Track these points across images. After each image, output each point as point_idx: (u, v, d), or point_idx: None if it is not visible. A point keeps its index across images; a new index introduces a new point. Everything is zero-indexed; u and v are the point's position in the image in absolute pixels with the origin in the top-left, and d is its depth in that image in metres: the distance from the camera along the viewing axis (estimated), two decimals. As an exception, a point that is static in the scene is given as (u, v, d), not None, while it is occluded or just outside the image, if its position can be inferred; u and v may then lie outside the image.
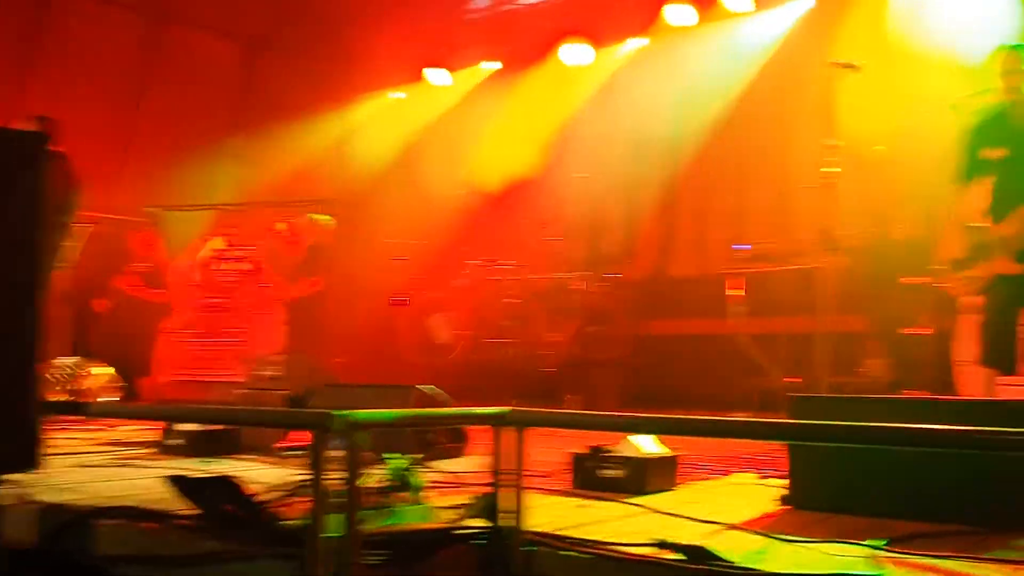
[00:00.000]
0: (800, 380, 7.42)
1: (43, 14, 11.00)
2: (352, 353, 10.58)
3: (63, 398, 7.13)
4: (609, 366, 9.48)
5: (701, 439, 4.53)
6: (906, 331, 7.08)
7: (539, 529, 3.10)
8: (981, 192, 5.39)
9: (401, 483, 3.37)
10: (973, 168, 5.44)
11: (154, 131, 11.56)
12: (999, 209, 5.30)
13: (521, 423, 3.10)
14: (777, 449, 4.14)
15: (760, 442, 4.55)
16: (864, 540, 2.92)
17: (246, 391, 6.29)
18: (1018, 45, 5.36)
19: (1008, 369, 5.25)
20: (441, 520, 3.26)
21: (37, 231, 3.44)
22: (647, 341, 9.80)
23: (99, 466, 4.90)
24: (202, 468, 4.71)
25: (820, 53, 8.26)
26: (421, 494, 3.34)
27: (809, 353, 7.13)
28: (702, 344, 9.49)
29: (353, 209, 11.19)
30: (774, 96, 9.52)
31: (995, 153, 5.30)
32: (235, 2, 11.82)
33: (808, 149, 5.68)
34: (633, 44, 10.76)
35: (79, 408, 4.89)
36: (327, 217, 9.69)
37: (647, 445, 4.10)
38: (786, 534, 3.05)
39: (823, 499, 3.58)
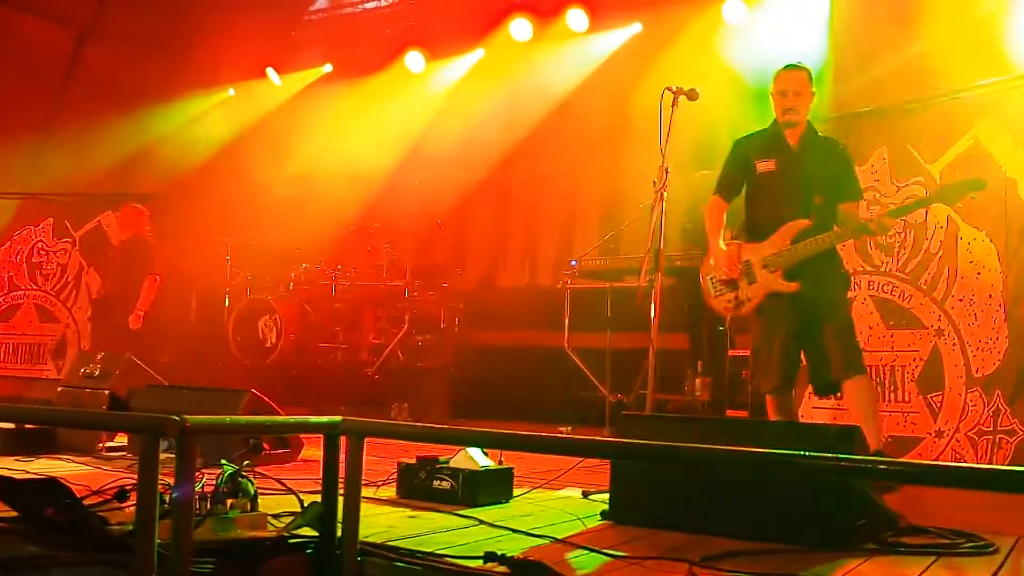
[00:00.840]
0: (625, 397, 7.65)
1: None
2: (178, 353, 10.34)
3: None
4: (434, 374, 9.56)
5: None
6: (730, 353, 7.32)
7: (371, 540, 3.14)
8: (741, 208, 5.39)
9: (232, 490, 3.34)
10: (741, 180, 5.41)
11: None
12: (766, 224, 5.28)
13: (354, 433, 3.13)
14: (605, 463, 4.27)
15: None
16: (681, 556, 3.07)
17: (66, 389, 6.08)
18: (794, 64, 5.31)
19: (789, 389, 5.26)
20: (273, 528, 3.26)
21: None
22: (474, 350, 9.92)
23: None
24: (21, 468, 4.54)
25: (651, 76, 8.61)
26: (252, 501, 3.32)
27: (635, 370, 7.41)
28: (529, 355, 9.66)
29: (179, 204, 10.91)
30: (606, 115, 9.77)
31: (764, 166, 5.28)
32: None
33: (638, 169, 5.78)
34: (471, 55, 10.86)
35: None
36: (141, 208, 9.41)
37: (481, 458, 4.18)
38: (608, 549, 3.18)
39: (643, 515, 3.72)
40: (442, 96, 10.80)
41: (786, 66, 5.33)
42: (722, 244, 5.37)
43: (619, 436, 3.92)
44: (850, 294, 5.69)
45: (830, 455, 2.32)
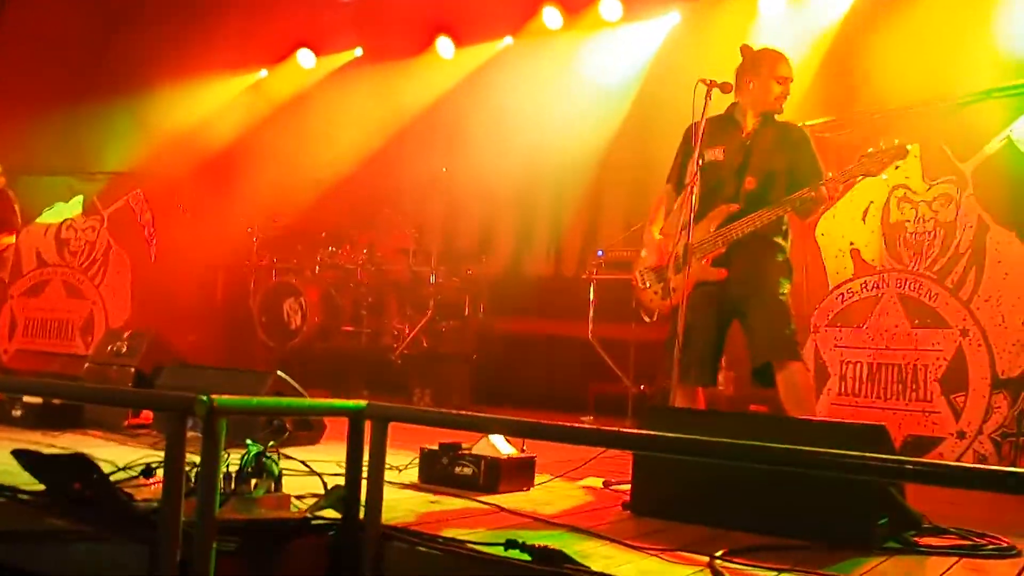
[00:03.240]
0: (648, 388, 7.65)
1: None
2: (204, 333, 10.42)
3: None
4: (457, 361, 9.58)
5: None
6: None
7: (393, 523, 3.17)
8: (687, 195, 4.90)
9: (256, 470, 3.37)
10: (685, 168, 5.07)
11: (6, 94, 11.11)
12: (703, 214, 4.98)
13: (379, 417, 3.15)
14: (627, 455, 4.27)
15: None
16: (702, 550, 3.07)
17: (92, 365, 6.14)
18: (762, 47, 5.15)
19: (710, 382, 5.03)
20: (296, 509, 3.29)
21: None
22: (497, 338, 9.94)
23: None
24: (48, 443, 4.60)
25: (686, 67, 8.57)
26: (276, 482, 3.34)
27: (658, 362, 7.39)
28: (552, 344, 9.68)
29: (206, 185, 10.98)
30: (636, 104, 9.74)
31: (712, 154, 5.00)
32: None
33: (667, 160, 5.68)
34: (501, 43, 10.86)
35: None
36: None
37: (503, 446, 4.19)
38: (628, 540, 3.19)
39: (664, 508, 3.72)
40: (471, 83, 10.79)
41: (782, 53, 5.18)
42: (656, 234, 5.20)
43: (642, 428, 3.90)
44: (795, 280, 5.17)
45: (856, 454, 2.31)
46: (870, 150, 4.81)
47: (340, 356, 9.93)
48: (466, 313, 9.79)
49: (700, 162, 4.82)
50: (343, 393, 9.18)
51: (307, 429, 5.40)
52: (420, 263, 9.63)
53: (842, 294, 6.90)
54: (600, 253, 8.43)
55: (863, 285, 6.80)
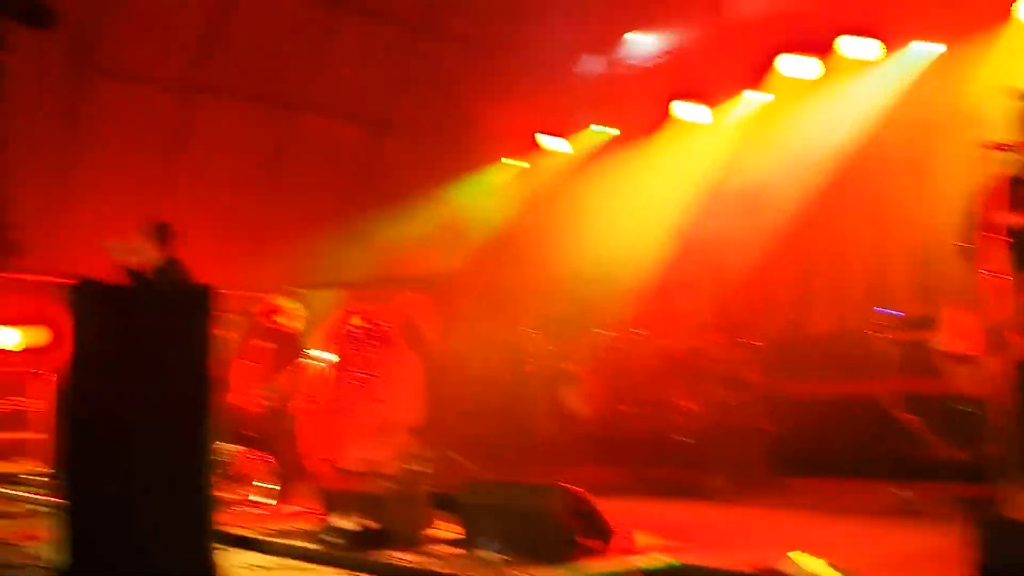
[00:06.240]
0: (969, 453, 6.98)
1: (189, 113, 11.92)
2: (486, 422, 10.57)
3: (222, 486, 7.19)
4: (749, 433, 9.19)
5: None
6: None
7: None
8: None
9: None
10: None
11: (289, 212, 12.04)
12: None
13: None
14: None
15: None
16: None
17: (395, 485, 6.30)
18: None
19: None
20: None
21: (205, 368, 3.70)
22: (787, 404, 9.48)
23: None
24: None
25: (954, 100, 8.01)
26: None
27: (970, 422, 6.75)
28: (847, 406, 9.13)
29: (473, 279, 11.26)
30: (908, 144, 9.20)
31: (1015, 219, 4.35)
32: (356, 87, 12.23)
33: (949, 199, 5.19)
34: (750, 100, 10.58)
35: (253, 544, 4.99)
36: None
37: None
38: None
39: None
40: (726, 145, 10.55)
41: None
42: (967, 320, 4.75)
43: (982, 549, 3.26)
44: None
45: None
46: None
47: (625, 438, 9.76)
48: (752, 382, 9.40)
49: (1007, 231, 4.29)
50: (635, 475, 9.04)
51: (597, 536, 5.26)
52: (698, 336, 9.38)
53: None
54: (886, 311, 7.90)
55: None
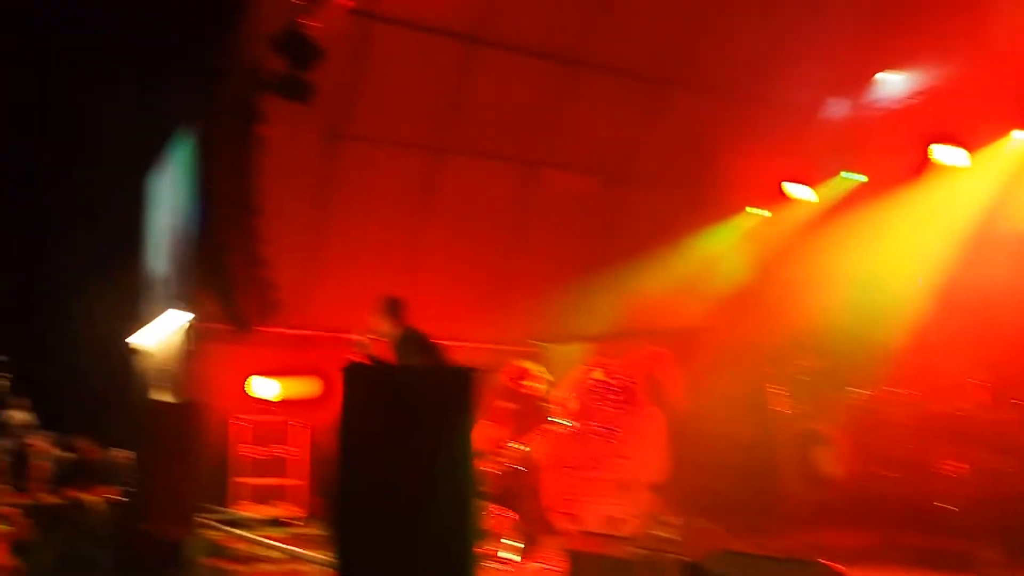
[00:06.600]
0: None
1: (435, 173, 12.33)
2: (731, 482, 10.23)
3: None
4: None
5: None
6: None
7: None
8: None
9: None
10: None
11: (534, 266, 12.25)
12: None
13: None
14: None
15: None
16: None
17: (641, 550, 6.15)
18: None
19: None
20: None
21: (470, 443, 3.84)
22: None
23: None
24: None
25: None
26: None
27: None
28: None
29: (724, 331, 10.99)
30: None
31: None
32: (597, 141, 12.30)
33: None
34: (1020, 138, 9.86)
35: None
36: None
37: None
38: None
39: None
40: (991, 189, 9.88)
41: None
42: None
43: None
44: None
45: None
46: None
47: (881, 503, 9.19)
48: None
49: None
50: (886, 539, 8.49)
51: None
52: (962, 396, 8.76)
53: None
54: None
55: None
